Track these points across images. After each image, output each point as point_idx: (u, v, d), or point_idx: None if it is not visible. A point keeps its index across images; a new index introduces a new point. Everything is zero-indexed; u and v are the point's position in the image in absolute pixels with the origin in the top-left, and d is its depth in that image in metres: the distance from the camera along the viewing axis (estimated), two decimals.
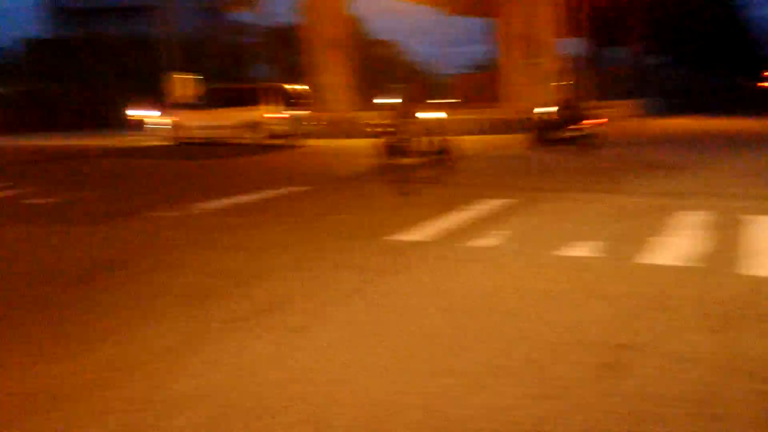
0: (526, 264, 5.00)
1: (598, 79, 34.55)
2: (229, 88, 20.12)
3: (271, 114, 18.22)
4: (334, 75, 29.02)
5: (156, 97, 30.62)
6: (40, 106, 35.17)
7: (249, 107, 18.31)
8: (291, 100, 18.89)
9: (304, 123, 19.14)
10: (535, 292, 4.28)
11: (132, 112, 28.87)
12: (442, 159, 12.00)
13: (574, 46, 32.87)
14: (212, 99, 19.32)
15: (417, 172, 11.16)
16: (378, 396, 2.87)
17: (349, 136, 21.38)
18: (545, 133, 15.52)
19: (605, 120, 14.57)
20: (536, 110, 16.46)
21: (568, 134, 14.82)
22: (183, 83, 24.95)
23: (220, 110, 18.72)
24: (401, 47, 68.06)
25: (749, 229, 5.98)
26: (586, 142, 14.21)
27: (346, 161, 13.60)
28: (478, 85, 37.95)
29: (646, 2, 37.76)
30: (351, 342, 3.50)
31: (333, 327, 3.72)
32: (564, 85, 16.19)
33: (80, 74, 43.06)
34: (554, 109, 15.79)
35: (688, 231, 5.96)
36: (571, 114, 15.14)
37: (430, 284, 4.53)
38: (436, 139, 11.98)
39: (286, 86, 19.64)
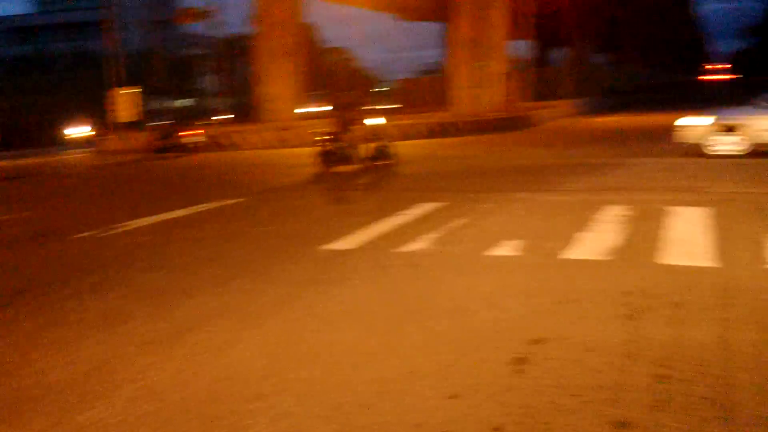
0: (451, 266, 5.04)
1: (541, 78, 35.24)
2: None
3: None
4: (282, 84, 28.86)
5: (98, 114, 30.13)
6: None
7: None
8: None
9: None
10: (455, 294, 4.32)
11: (69, 131, 28.58)
12: (380, 165, 12.05)
13: (520, 48, 33.37)
14: None
15: (355, 179, 11.17)
16: (289, 409, 2.85)
17: (290, 145, 21.17)
18: None
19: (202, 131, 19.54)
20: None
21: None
22: (125, 98, 24.48)
23: None
24: (352, 54, 68.13)
25: (662, 222, 6.15)
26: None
27: (284, 171, 13.49)
28: (424, 90, 38.27)
29: (590, 2, 38.51)
30: (271, 356, 3.46)
31: (252, 343, 3.68)
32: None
33: (23, 92, 41.93)
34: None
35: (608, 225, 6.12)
36: None
37: (355, 293, 4.52)
38: (374, 145, 12.02)
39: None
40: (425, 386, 2.99)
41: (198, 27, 36.94)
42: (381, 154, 12.05)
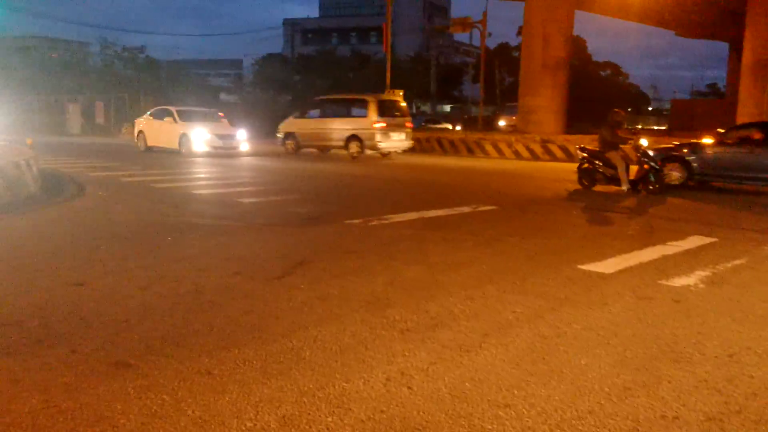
0: (725, 310, 4.54)
1: None
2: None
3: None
4: (547, 96, 28.55)
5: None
6: (261, 114, 39.03)
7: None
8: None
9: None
10: (728, 342, 3.89)
11: None
12: (647, 189, 11.29)
13: None
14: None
15: (618, 201, 10.61)
16: (535, 426, 2.82)
17: (555, 158, 21.00)
18: None
19: None
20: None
21: None
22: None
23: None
24: (623, 70, 65.05)
25: None
26: None
27: (541, 184, 13.28)
28: (699, 113, 34.97)
29: None
30: (517, 368, 3.46)
31: (499, 351, 3.71)
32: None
33: (305, 87, 47.33)
34: None
35: None
36: None
37: (612, 320, 4.30)
38: (645, 168, 11.30)
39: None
40: None
41: (468, 36, 38.10)
42: (649, 177, 11.29)
